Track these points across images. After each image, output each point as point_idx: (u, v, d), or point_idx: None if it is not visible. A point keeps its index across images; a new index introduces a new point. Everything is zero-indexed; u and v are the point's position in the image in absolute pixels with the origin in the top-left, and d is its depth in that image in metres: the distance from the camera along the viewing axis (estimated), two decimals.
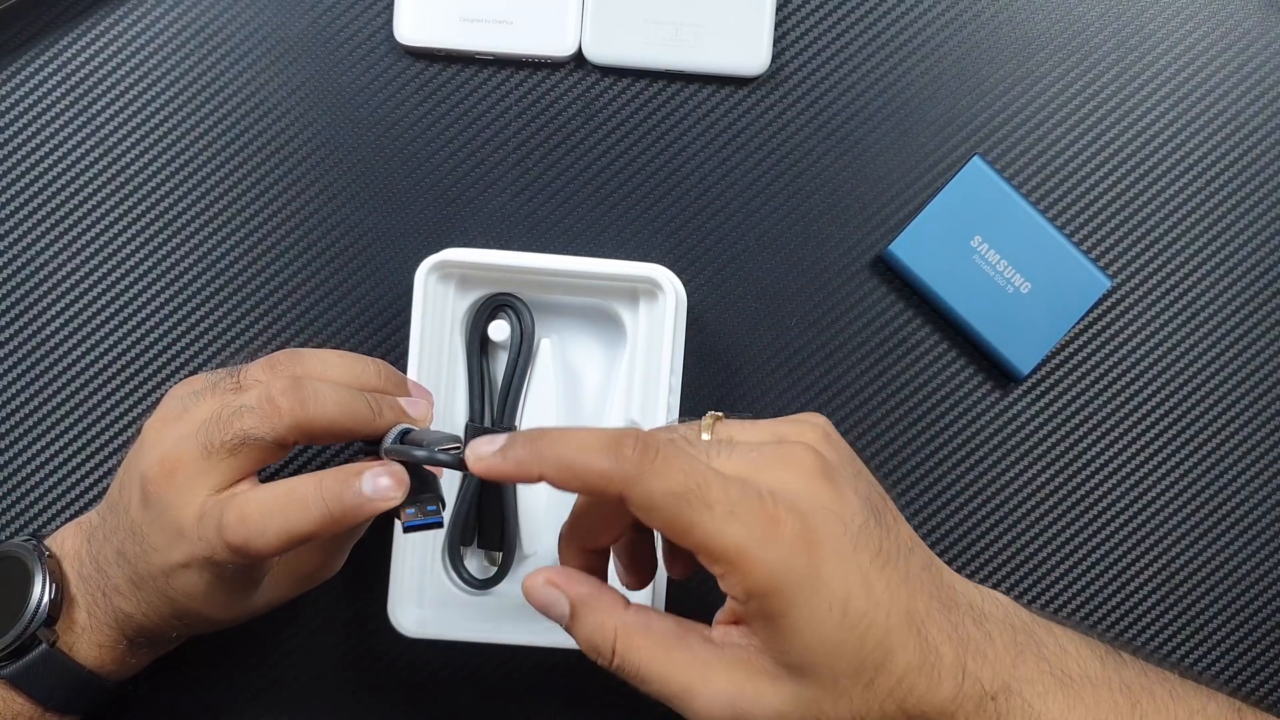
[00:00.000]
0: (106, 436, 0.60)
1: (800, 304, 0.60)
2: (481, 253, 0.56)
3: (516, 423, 0.57)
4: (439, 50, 0.59)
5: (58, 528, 0.54)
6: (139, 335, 0.60)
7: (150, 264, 0.60)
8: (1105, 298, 0.60)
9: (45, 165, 0.60)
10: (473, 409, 0.58)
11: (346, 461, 0.59)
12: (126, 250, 0.60)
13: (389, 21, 0.59)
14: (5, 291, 0.59)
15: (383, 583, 0.55)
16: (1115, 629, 0.60)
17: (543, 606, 0.43)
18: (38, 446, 0.60)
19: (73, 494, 0.60)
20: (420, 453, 0.46)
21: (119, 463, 0.52)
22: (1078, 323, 0.59)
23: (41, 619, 0.50)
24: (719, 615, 0.42)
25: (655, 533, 0.48)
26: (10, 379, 0.59)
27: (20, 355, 0.59)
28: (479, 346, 0.58)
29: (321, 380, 0.48)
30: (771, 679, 0.41)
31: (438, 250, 0.56)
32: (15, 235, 0.59)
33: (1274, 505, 0.60)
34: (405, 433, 0.49)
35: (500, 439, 0.42)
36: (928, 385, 0.60)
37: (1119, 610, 0.60)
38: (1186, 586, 0.60)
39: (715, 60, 0.59)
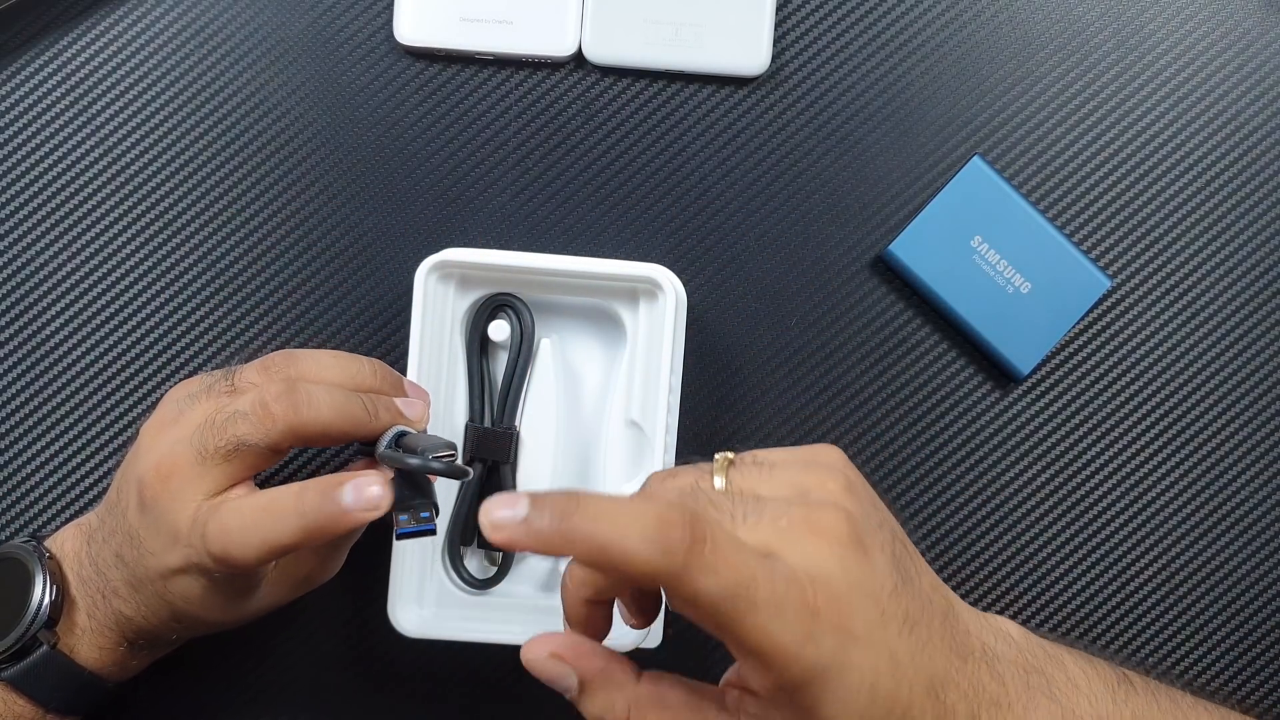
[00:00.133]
0: (106, 437, 0.60)
1: (800, 304, 0.60)
2: (481, 253, 0.56)
3: (516, 423, 0.57)
4: (439, 50, 0.59)
5: (57, 528, 0.54)
6: (139, 335, 0.60)
7: (150, 264, 0.60)
8: (1105, 298, 0.60)
9: (45, 165, 0.60)
10: (473, 409, 0.58)
11: (346, 463, 0.59)
12: (126, 250, 0.60)
13: (389, 21, 0.59)
14: (5, 291, 0.59)
15: (383, 583, 0.55)
16: (1115, 630, 0.60)
17: (548, 681, 0.41)
18: (38, 446, 0.60)
19: (73, 494, 0.60)
20: (414, 460, 0.45)
21: (118, 463, 0.52)
22: (1078, 323, 0.59)
23: (42, 621, 0.50)
24: (731, 677, 0.41)
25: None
26: (10, 379, 0.59)
27: (20, 355, 0.59)
28: (479, 346, 0.58)
29: (316, 383, 0.48)
30: None
31: (438, 250, 0.56)
32: (15, 235, 0.59)
33: (1274, 505, 0.60)
34: (401, 435, 0.49)
35: (521, 503, 0.36)
36: (928, 385, 0.60)
37: (1119, 610, 0.60)
38: (1186, 586, 0.60)
39: (715, 60, 0.59)
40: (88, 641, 0.51)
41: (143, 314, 0.60)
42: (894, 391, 0.60)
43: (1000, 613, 0.59)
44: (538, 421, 0.58)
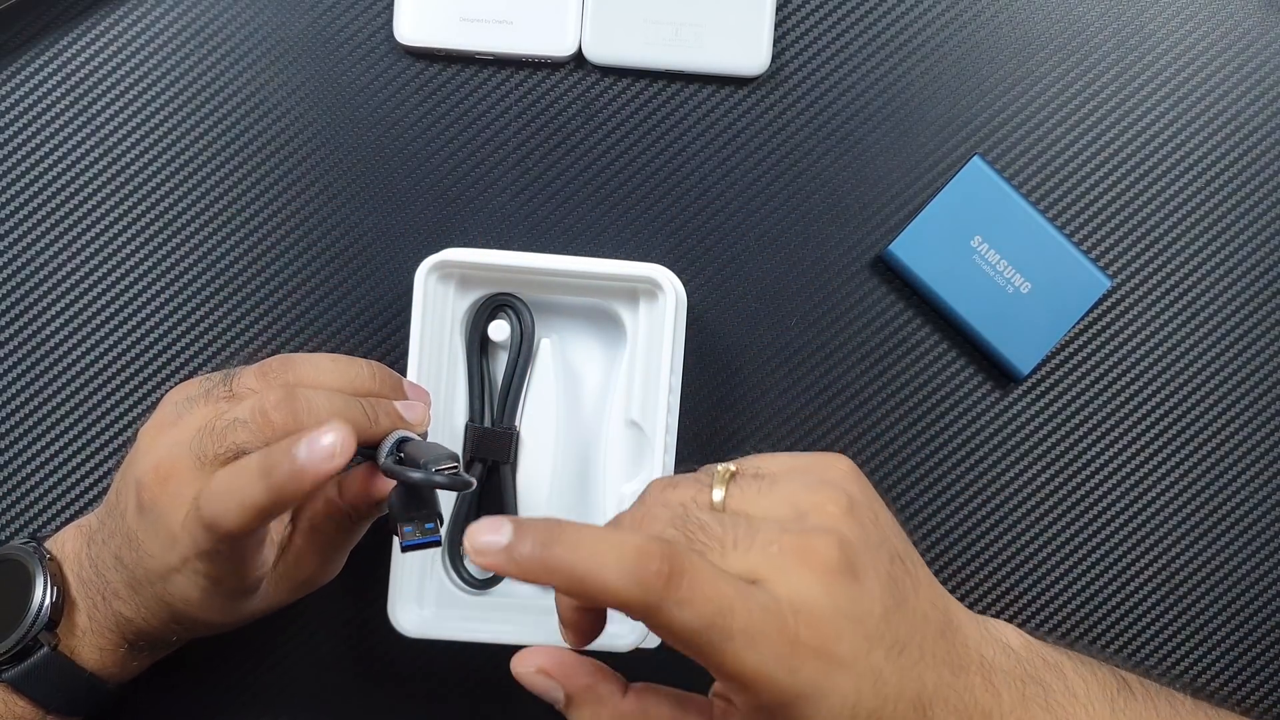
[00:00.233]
0: (106, 437, 0.60)
1: (800, 304, 0.60)
2: (481, 253, 0.56)
3: (516, 423, 0.57)
4: (439, 50, 0.59)
5: (57, 529, 0.54)
6: (139, 335, 0.60)
7: (150, 264, 0.60)
8: (1105, 298, 0.60)
9: (45, 165, 0.60)
10: (473, 409, 0.58)
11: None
12: (126, 250, 0.60)
13: (389, 21, 0.59)
14: (5, 291, 0.59)
15: (383, 583, 0.55)
16: (1115, 630, 0.60)
17: (537, 693, 0.42)
18: (38, 446, 0.60)
19: (72, 494, 0.60)
20: (416, 474, 0.45)
21: (118, 464, 0.52)
22: (1078, 323, 0.59)
23: (43, 622, 0.50)
24: (719, 688, 0.41)
25: None
26: (10, 379, 0.59)
27: (20, 355, 0.59)
28: (479, 346, 0.58)
29: (314, 388, 0.48)
30: None
31: (438, 250, 0.56)
32: (15, 235, 0.59)
33: (1274, 505, 0.60)
34: (403, 442, 0.49)
35: (506, 529, 0.36)
36: (928, 385, 0.60)
37: (1119, 610, 0.60)
38: (1186, 587, 0.60)
39: (715, 60, 0.59)
40: (88, 643, 0.51)
41: (143, 314, 0.60)
42: (894, 391, 0.60)
43: (1000, 614, 0.59)
44: (538, 421, 0.58)
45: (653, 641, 0.54)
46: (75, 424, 0.60)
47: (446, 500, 0.48)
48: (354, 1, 0.60)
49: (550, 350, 0.58)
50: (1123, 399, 0.60)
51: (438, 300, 0.56)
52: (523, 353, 0.57)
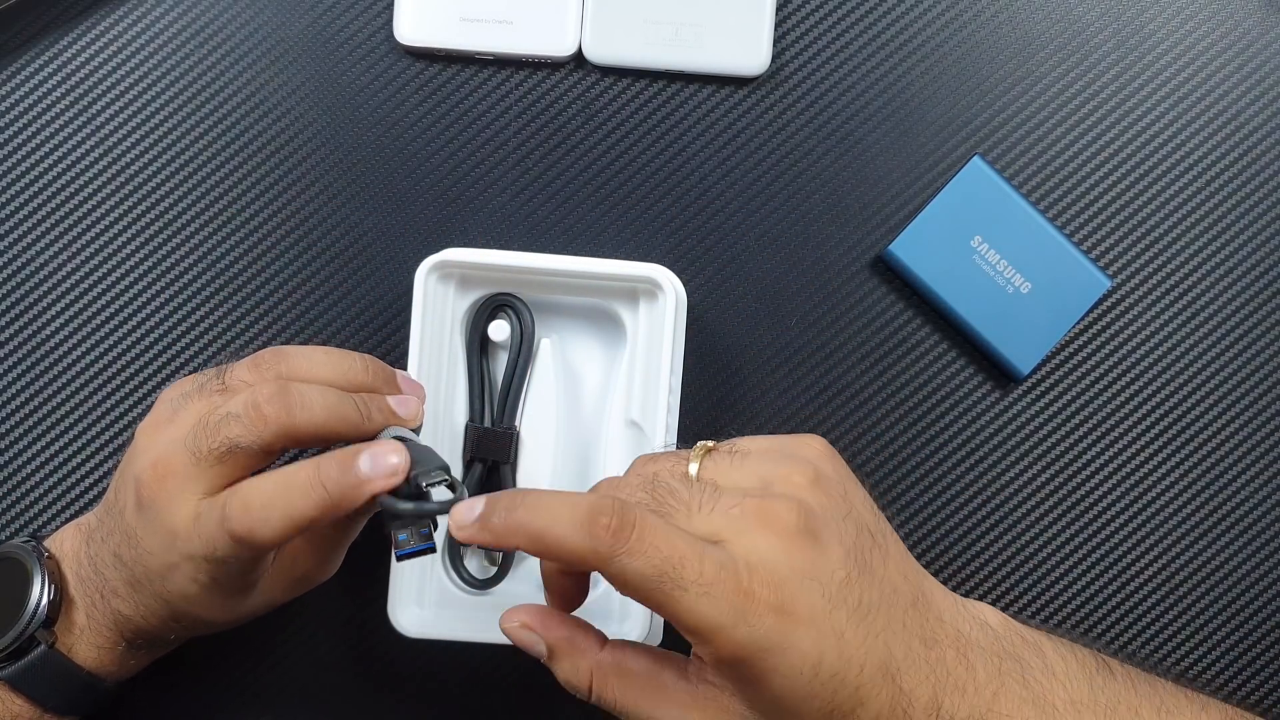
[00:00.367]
0: (106, 436, 0.60)
1: (800, 304, 0.60)
2: (481, 253, 0.56)
3: (516, 423, 0.57)
4: (439, 50, 0.59)
5: (57, 528, 0.54)
6: (139, 335, 0.60)
7: (150, 264, 0.60)
8: (1105, 298, 0.60)
9: (45, 165, 0.60)
10: (473, 409, 0.58)
11: None
12: (126, 250, 0.60)
13: (389, 21, 0.59)
14: (5, 291, 0.59)
15: (383, 583, 0.55)
16: (1115, 629, 0.60)
17: (521, 646, 0.45)
18: (38, 446, 0.60)
19: (72, 494, 0.60)
20: (407, 506, 0.45)
21: (118, 463, 0.52)
22: (1078, 323, 0.59)
23: (40, 620, 0.50)
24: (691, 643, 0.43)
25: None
26: (10, 379, 0.59)
27: (20, 355, 0.60)
28: (479, 346, 0.58)
29: (308, 382, 0.48)
30: None
31: (438, 250, 0.56)
32: (15, 235, 0.60)
33: (1274, 505, 0.60)
34: (395, 439, 0.49)
35: (479, 505, 0.41)
36: (928, 385, 0.60)
37: (1119, 610, 0.60)
38: (1186, 587, 0.60)
39: (715, 60, 0.59)
40: (86, 641, 0.51)
41: (143, 314, 0.60)
42: (894, 391, 0.60)
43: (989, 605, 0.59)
44: (538, 421, 0.58)
45: (653, 640, 0.54)
46: (75, 424, 0.60)
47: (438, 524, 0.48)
48: (354, 1, 0.60)
49: (550, 350, 0.58)
50: (1123, 399, 0.60)
51: (438, 300, 0.56)
52: (523, 353, 0.57)
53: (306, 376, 0.49)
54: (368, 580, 0.57)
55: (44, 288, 0.60)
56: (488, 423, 0.58)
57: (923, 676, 0.42)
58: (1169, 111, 0.60)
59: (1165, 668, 0.60)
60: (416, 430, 0.52)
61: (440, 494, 0.46)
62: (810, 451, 0.44)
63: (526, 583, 0.59)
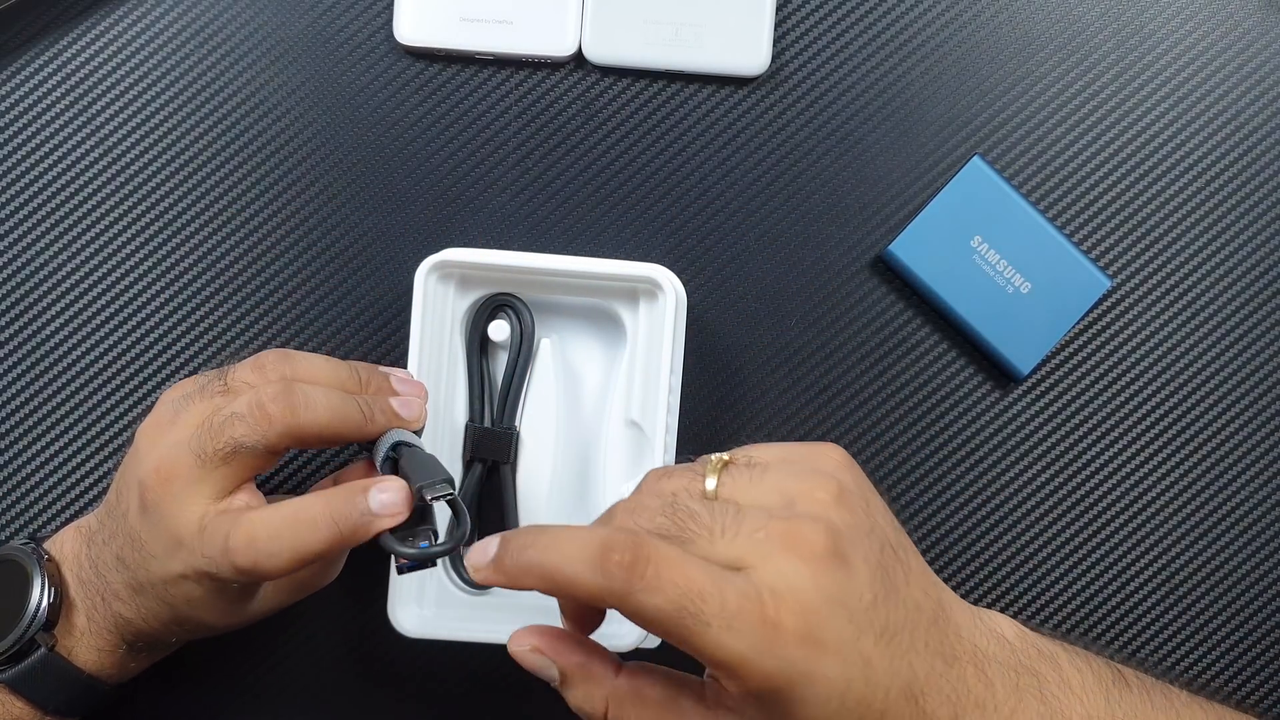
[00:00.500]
0: (106, 436, 0.60)
1: (800, 304, 0.60)
2: (481, 253, 0.56)
3: (516, 423, 0.57)
4: (439, 50, 0.59)
5: (57, 529, 0.54)
6: (139, 335, 0.60)
7: (150, 264, 0.60)
8: (1105, 298, 0.60)
9: (45, 165, 0.60)
10: (473, 409, 0.58)
11: (346, 462, 0.59)
12: (126, 250, 0.60)
13: (389, 21, 0.59)
14: (5, 291, 0.59)
15: (383, 583, 0.55)
16: (1115, 630, 0.60)
17: (532, 671, 0.43)
18: (38, 446, 0.60)
19: (72, 494, 0.60)
20: (409, 550, 0.45)
21: (118, 463, 0.52)
22: (1078, 323, 0.59)
23: (40, 623, 0.50)
24: (712, 673, 0.41)
25: None
26: (10, 379, 0.59)
27: (20, 355, 0.60)
28: (479, 346, 0.58)
29: (311, 383, 0.48)
30: None
31: (438, 250, 0.56)
32: (15, 235, 0.59)
33: (1274, 505, 0.60)
34: (397, 447, 0.49)
35: (492, 547, 0.40)
36: (928, 385, 0.60)
37: (1119, 610, 0.60)
38: (1186, 586, 0.60)
39: (715, 60, 0.59)
40: (86, 644, 0.51)
41: (143, 314, 0.60)
42: (894, 391, 0.60)
43: (1000, 612, 0.59)
44: (538, 421, 0.58)
45: (653, 641, 0.54)
46: (75, 424, 0.60)
47: (442, 509, 0.48)
48: (354, 1, 0.60)
49: (550, 350, 0.58)
50: (1123, 399, 0.60)
51: (438, 300, 0.56)
52: (523, 353, 0.57)
53: (309, 378, 0.49)
54: (368, 580, 0.57)
55: (44, 288, 0.60)
56: (488, 423, 0.58)
57: (944, 697, 0.41)
58: (1169, 111, 0.60)
59: (1168, 666, 0.60)
60: (419, 431, 0.52)
61: (442, 509, 0.46)
62: (830, 463, 0.43)
63: None
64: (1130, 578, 0.60)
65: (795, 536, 0.39)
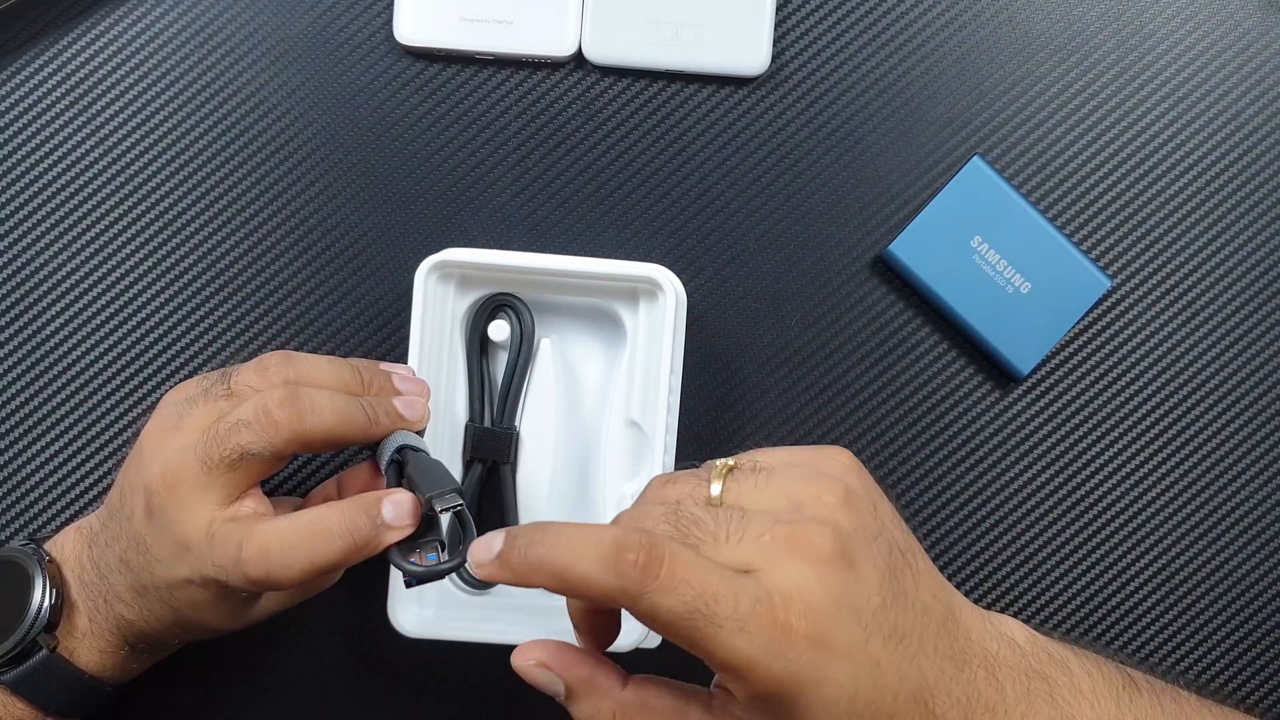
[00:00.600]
0: (106, 437, 0.60)
1: (800, 304, 0.60)
2: (481, 253, 0.56)
3: (516, 423, 0.57)
4: (439, 50, 0.59)
5: (57, 529, 0.54)
6: (139, 335, 0.60)
7: (150, 264, 0.60)
8: (1105, 298, 0.60)
9: (45, 165, 0.60)
10: (473, 409, 0.58)
11: (345, 463, 0.59)
12: (126, 250, 0.60)
13: (389, 21, 0.59)
14: (5, 291, 0.59)
15: (383, 583, 0.55)
16: (1116, 630, 0.60)
17: (537, 686, 0.42)
18: (38, 446, 0.60)
19: (72, 494, 0.60)
20: (418, 568, 0.46)
21: (118, 463, 0.52)
22: (1078, 323, 0.59)
23: (42, 624, 0.50)
24: (719, 679, 0.41)
25: None
26: (10, 379, 0.59)
27: (20, 355, 0.59)
28: (479, 346, 0.58)
29: (315, 387, 0.48)
30: None
31: (438, 250, 0.56)
32: (15, 235, 0.59)
33: (1274, 505, 0.60)
34: (402, 450, 0.49)
35: (498, 542, 0.39)
36: (928, 385, 0.60)
37: (1119, 611, 0.60)
38: (1186, 586, 0.60)
39: (715, 60, 0.59)
40: (88, 645, 0.51)
41: (143, 314, 0.60)
42: (894, 391, 0.60)
43: (1001, 613, 0.59)
44: (538, 421, 0.58)
45: (653, 641, 0.54)
46: (75, 424, 0.60)
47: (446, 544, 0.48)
48: (354, 1, 0.60)
49: (550, 350, 0.58)
50: (1123, 399, 0.60)
51: (438, 300, 0.56)
52: (523, 353, 0.57)
53: (313, 381, 0.49)
54: (368, 580, 0.57)
55: (44, 288, 0.60)
56: (488, 423, 0.58)
57: (954, 700, 0.41)
58: (1169, 111, 0.60)
59: (1169, 666, 0.60)
60: (422, 432, 0.52)
61: (448, 520, 0.46)
62: (837, 467, 0.42)
63: None
64: (1130, 578, 0.60)
65: (801, 540, 0.39)
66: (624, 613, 0.44)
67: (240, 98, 0.60)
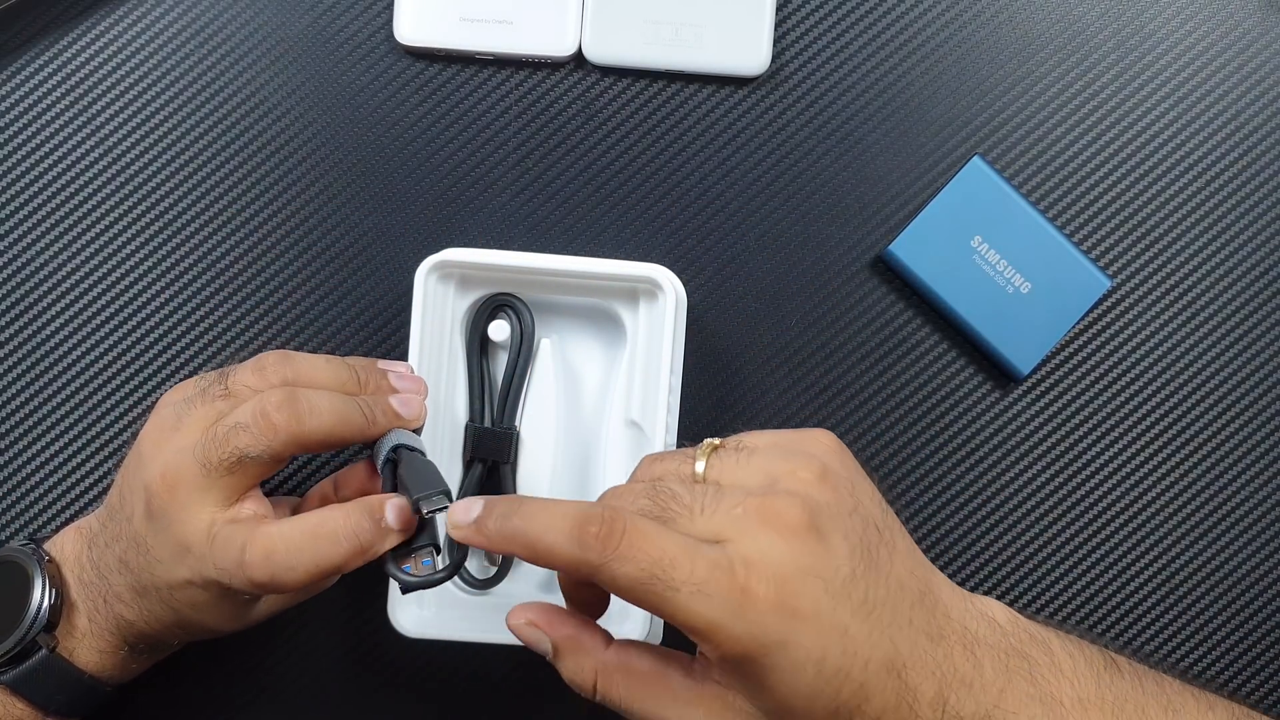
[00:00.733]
0: (106, 437, 0.60)
1: (800, 304, 0.60)
2: (481, 253, 0.56)
3: (516, 423, 0.57)
4: (439, 50, 0.59)
5: (56, 529, 0.54)
6: (139, 335, 0.60)
7: (150, 264, 0.60)
8: (1105, 298, 0.60)
9: (45, 165, 0.60)
10: (473, 409, 0.58)
11: (345, 463, 0.59)
12: (126, 250, 0.60)
13: (389, 21, 0.59)
14: (5, 291, 0.59)
15: (383, 583, 0.55)
16: (1115, 629, 0.60)
17: (528, 644, 0.45)
18: (38, 446, 0.60)
19: (72, 494, 0.60)
20: (414, 579, 0.46)
21: (118, 463, 0.52)
22: (1078, 323, 0.59)
23: (41, 624, 0.49)
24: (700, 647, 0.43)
25: None
26: (10, 379, 0.59)
27: (20, 355, 0.60)
28: (479, 346, 0.58)
29: (313, 388, 0.48)
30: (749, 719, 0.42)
31: (438, 250, 0.56)
32: (15, 235, 0.59)
33: (1274, 505, 0.60)
34: (397, 450, 0.49)
35: (477, 507, 0.42)
36: (928, 385, 0.60)
37: (1119, 610, 0.60)
38: (1186, 586, 0.60)
39: (715, 60, 0.59)
40: (88, 645, 0.51)
41: (143, 314, 0.60)
42: (894, 391, 0.60)
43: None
44: (538, 421, 0.58)
45: (654, 639, 0.54)
46: (75, 424, 0.60)
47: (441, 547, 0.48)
48: (354, 1, 0.60)
49: (550, 350, 0.58)
50: (1123, 399, 0.60)
51: (438, 300, 0.56)
52: (523, 353, 0.57)
53: (311, 382, 0.49)
54: (368, 580, 0.57)
55: (44, 288, 0.60)
56: (488, 423, 0.58)
57: (929, 672, 0.41)
58: (1169, 111, 0.60)
59: (1169, 665, 0.60)
60: (418, 430, 0.52)
61: (440, 519, 0.47)
62: (818, 447, 0.44)
63: (526, 583, 0.59)
64: (1130, 578, 0.60)
65: (771, 511, 0.41)
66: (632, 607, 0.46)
67: (240, 98, 0.60)
